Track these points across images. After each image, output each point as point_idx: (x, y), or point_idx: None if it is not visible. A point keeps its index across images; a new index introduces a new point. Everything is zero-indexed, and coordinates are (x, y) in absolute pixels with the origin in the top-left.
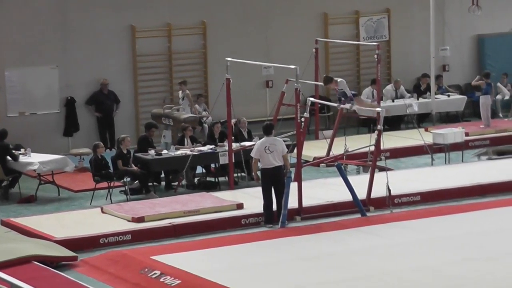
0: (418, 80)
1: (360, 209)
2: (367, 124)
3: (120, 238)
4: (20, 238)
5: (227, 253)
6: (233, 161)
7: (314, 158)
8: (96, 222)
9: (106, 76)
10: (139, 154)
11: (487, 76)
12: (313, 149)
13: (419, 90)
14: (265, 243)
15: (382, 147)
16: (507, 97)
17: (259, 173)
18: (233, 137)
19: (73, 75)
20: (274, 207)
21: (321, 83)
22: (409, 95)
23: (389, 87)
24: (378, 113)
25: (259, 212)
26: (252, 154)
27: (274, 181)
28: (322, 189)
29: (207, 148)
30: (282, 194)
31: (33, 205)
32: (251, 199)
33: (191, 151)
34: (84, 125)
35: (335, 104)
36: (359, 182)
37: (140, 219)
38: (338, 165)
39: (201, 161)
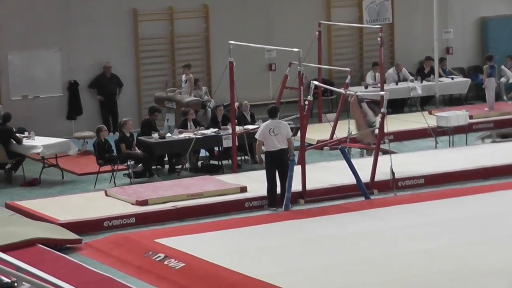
0: (421, 63)
1: (364, 192)
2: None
3: (124, 221)
4: (24, 221)
5: (231, 236)
6: (236, 144)
7: (318, 141)
8: (100, 205)
9: (108, 59)
10: (142, 138)
11: (490, 58)
12: (316, 132)
13: (422, 73)
14: (268, 226)
15: (385, 130)
16: (511, 80)
17: (263, 156)
18: (236, 121)
19: (76, 59)
20: (278, 190)
21: (325, 66)
22: (412, 77)
23: (391, 70)
24: (382, 96)
25: (263, 195)
26: (257, 136)
27: (278, 164)
28: (325, 172)
29: (210, 131)
30: (286, 177)
31: (37, 188)
32: (255, 182)
33: (194, 134)
34: (87, 108)
35: (340, 90)
36: (363, 165)
37: (144, 202)
38: (342, 148)
39: (204, 144)
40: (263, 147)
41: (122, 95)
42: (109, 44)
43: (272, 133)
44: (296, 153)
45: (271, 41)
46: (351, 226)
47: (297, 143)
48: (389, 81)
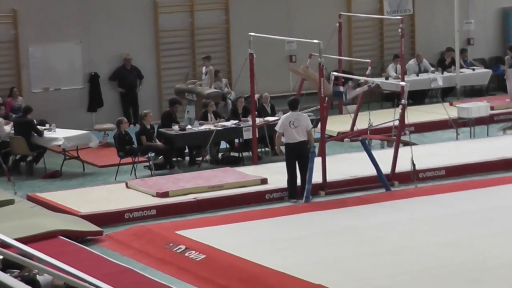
0: (442, 54)
1: (385, 184)
2: (391, 99)
3: (145, 213)
4: (46, 213)
5: (251, 228)
6: (257, 136)
7: (338, 133)
8: (121, 197)
9: (129, 51)
10: (162, 130)
11: None
12: (337, 124)
13: (443, 64)
14: (289, 218)
15: (406, 122)
16: None
17: (282, 147)
18: (256, 112)
19: (96, 51)
20: (298, 182)
21: (345, 57)
22: (433, 68)
23: (412, 61)
24: (403, 87)
25: (283, 187)
26: (277, 128)
27: (298, 156)
28: (346, 164)
29: (230, 123)
30: (306, 169)
31: (58, 180)
32: (275, 174)
33: (214, 126)
34: (108, 100)
35: (359, 77)
36: (383, 156)
37: (165, 194)
38: (362, 139)
39: (225, 136)
40: (282, 139)
41: (142, 87)
42: (129, 36)
43: (292, 126)
44: (317, 144)
45: (292, 32)
46: (371, 217)
47: (317, 134)
48: (410, 72)
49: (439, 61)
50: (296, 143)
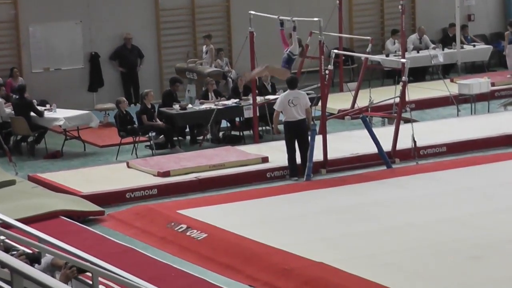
0: (444, 30)
1: (386, 161)
2: (391, 76)
3: (146, 192)
4: (47, 193)
5: (253, 206)
6: (258, 114)
7: (339, 111)
8: (122, 177)
9: (129, 30)
10: (163, 109)
11: None
12: (337, 101)
13: (447, 39)
14: (290, 196)
15: (407, 99)
16: None
17: (280, 126)
18: (257, 91)
19: (97, 30)
20: (298, 160)
21: (345, 35)
22: (433, 45)
23: (413, 36)
24: (403, 64)
25: (284, 165)
26: (275, 107)
27: (297, 134)
28: (347, 142)
29: (231, 102)
30: (305, 148)
31: (59, 161)
32: (276, 153)
33: (215, 105)
34: (109, 80)
35: (360, 55)
36: (384, 134)
37: (166, 174)
38: (363, 117)
39: (226, 115)
40: (281, 117)
41: (143, 66)
42: (130, 15)
43: (291, 104)
44: (318, 122)
45: (292, 10)
46: (373, 195)
47: (318, 112)
48: (410, 46)
49: (443, 37)
50: (295, 121)
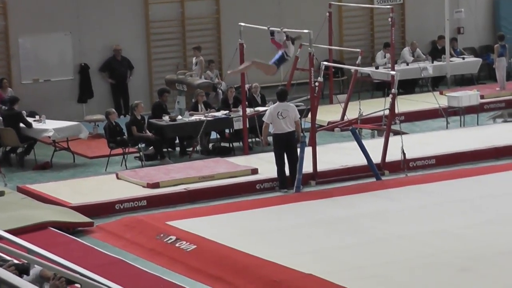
0: (432, 43)
1: (375, 173)
2: (381, 88)
3: (136, 204)
4: (36, 204)
5: (242, 218)
6: (247, 126)
7: (329, 123)
8: (112, 188)
9: (119, 42)
10: (153, 120)
11: (502, 38)
12: (327, 113)
13: (436, 51)
14: (280, 208)
15: (396, 111)
16: None
17: (269, 138)
18: (246, 103)
19: (87, 42)
20: (287, 172)
21: (335, 47)
22: (424, 56)
23: (406, 50)
24: (393, 76)
25: (274, 177)
26: (264, 118)
27: (286, 146)
28: (336, 154)
29: (221, 113)
30: (294, 160)
31: (48, 172)
32: (266, 164)
33: (205, 116)
34: (98, 91)
35: (350, 67)
36: (374, 146)
37: (155, 185)
38: (353, 129)
39: (215, 126)
40: (270, 129)
41: (133, 78)
42: (120, 27)
43: (280, 116)
44: (307, 134)
45: (282, 22)
46: (362, 207)
47: (307, 124)
48: (403, 60)
49: (432, 49)
50: (284, 134)
